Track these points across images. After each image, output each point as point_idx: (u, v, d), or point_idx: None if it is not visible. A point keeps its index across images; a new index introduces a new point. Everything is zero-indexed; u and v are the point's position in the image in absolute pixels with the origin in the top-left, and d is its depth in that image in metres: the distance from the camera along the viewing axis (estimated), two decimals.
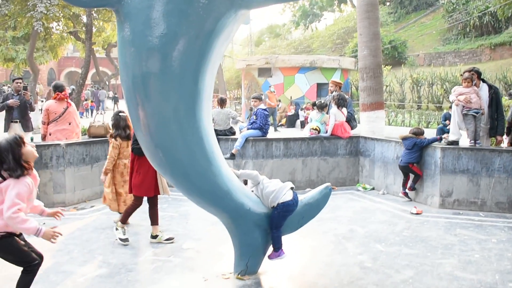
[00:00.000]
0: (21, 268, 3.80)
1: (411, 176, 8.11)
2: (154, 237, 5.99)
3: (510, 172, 7.38)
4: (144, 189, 5.92)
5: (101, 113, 28.11)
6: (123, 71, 3.95)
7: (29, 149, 3.76)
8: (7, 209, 3.50)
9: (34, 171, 3.82)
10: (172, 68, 3.82)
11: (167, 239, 5.98)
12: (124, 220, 6.07)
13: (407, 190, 8.16)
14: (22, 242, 3.79)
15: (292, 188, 4.79)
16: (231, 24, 4.01)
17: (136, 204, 6.04)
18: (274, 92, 21.67)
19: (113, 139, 6.42)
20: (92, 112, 29.50)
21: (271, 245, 4.85)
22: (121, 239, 5.87)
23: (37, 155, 3.91)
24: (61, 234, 3.80)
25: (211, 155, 4.24)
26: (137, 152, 5.70)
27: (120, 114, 6.44)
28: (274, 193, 4.66)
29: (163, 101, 3.91)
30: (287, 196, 4.67)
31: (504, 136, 8.26)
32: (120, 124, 6.37)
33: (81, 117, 7.32)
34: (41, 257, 3.90)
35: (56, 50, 30.34)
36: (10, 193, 3.56)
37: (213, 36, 3.89)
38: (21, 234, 3.80)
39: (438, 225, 6.82)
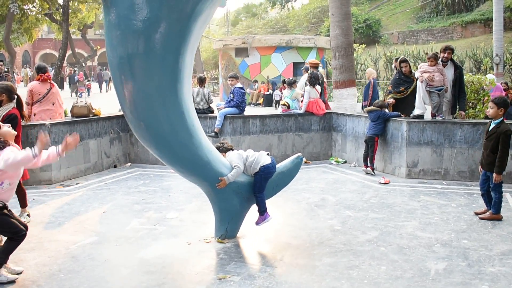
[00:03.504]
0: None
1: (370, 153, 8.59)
2: None
3: (470, 143, 7.93)
4: None
5: (107, 91, 27.97)
6: (109, 52, 4.33)
7: (5, 130, 4.34)
8: (8, 159, 4.03)
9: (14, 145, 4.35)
10: (155, 49, 4.24)
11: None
12: None
13: (369, 170, 8.57)
14: (9, 214, 4.26)
15: (268, 154, 5.27)
16: (208, 8, 4.45)
17: None
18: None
19: None
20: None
21: (257, 210, 5.30)
22: None
23: (15, 132, 4.54)
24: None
25: (191, 128, 4.66)
26: None
27: None
28: (255, 161, 5.14)
29: (147, 79, 4.32)
30: (267, 160, 5.17)
31: None
32: None
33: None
34: (26, 227, 4.34)
35: (31, 32, 30.12)
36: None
37: (192, 19, 4.31)
38: (7, 207, 4.27)
39: (404, 193, 7.34)
